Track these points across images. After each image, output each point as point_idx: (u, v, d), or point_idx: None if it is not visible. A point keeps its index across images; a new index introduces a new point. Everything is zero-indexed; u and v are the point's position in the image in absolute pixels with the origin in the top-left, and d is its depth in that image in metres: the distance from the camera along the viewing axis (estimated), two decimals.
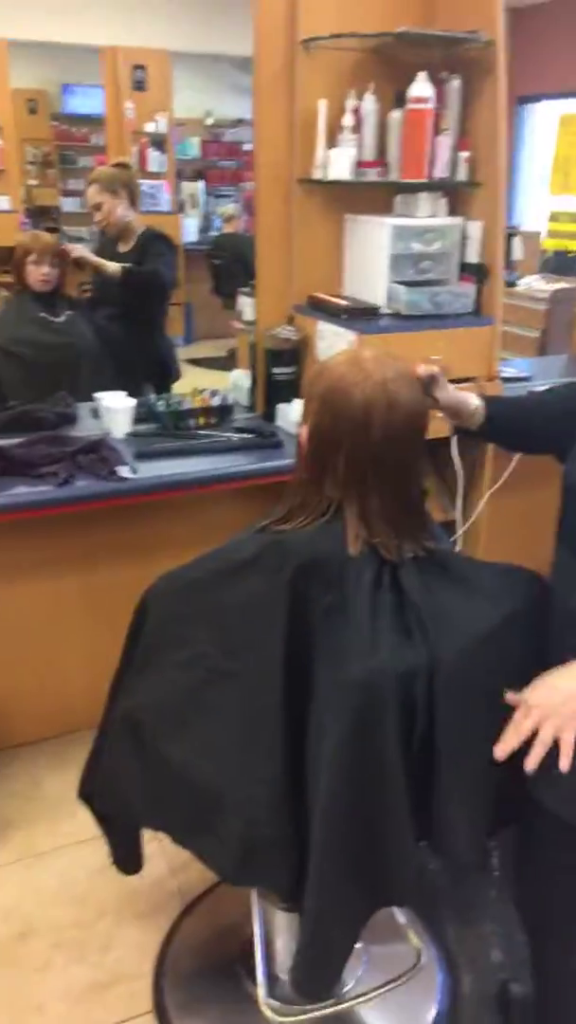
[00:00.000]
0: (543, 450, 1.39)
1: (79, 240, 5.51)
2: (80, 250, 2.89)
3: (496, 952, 1.73)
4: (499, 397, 1.58)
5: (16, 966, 1.71)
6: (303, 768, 1.16)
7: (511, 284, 5.56)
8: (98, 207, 2.94)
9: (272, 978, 1.53)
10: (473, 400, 1.41)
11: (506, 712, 1.14)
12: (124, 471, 1.99)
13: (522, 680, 1.16)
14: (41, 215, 7.00)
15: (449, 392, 1.36)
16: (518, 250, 5.81)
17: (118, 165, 3.04)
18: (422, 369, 1.28)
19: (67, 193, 7.53)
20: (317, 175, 2.26)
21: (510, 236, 5.87)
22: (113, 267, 2.86)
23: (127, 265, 2.87)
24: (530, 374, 3.00)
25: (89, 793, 1.46)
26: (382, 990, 1.51)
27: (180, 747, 1.22)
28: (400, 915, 1.66)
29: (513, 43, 7.92)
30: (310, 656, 1.15)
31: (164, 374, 3.12)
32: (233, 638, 1.20)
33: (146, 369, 2.97)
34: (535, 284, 5.54)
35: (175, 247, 3.15)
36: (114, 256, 3.01)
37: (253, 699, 1.17)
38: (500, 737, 1.11)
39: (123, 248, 3.03)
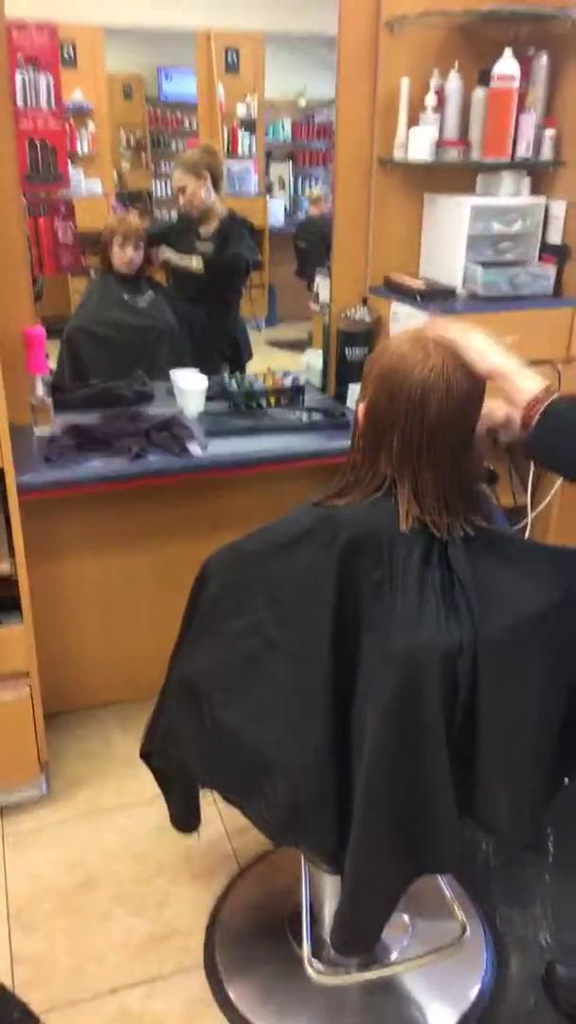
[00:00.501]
0: None
1: (170, 224, 5.60)
2: (164, 252, 2.98)
3: (545, 934, 1.73)
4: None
5: (78, 915, 1.81)
6: (349, 735, 1.19)
7: None
8: (182, 190, 3.00)
9: (318, 941, 1.58)
10: None
11: (548, 691, 1.15)
12: (195, 448, 2.05)
13: (566, 662, 1.16)
14: (133, 199, 7.13)
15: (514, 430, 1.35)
16: None
17: (203, 149, 3.10)
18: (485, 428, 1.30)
19: (159, 177, 7.64)
20: (398, 155, 2.25)
21: None
22: (196, 263, 2.95)
23: (207, 254, 2.94)
24: None
25: (149, 752, 1.52)
26: (425, 959, 1.53)
27: (233, 712, 1.27)
28: (447, 890, 1.68)
29: None
30: (358, 628, 1.17)
31: (238, 353, 3.18)
32: (285, 609, 1.24)
33: (221, 349, 3.03)
34: None
35: (255, 230, 3.20)
36: (196, 238, 3.07)
37: (303, 668, 1.20)
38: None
39: (204, 230, 3.08)
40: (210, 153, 3.08)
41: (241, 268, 3.06)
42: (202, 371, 2.41)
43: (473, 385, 1.19)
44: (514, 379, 1.20)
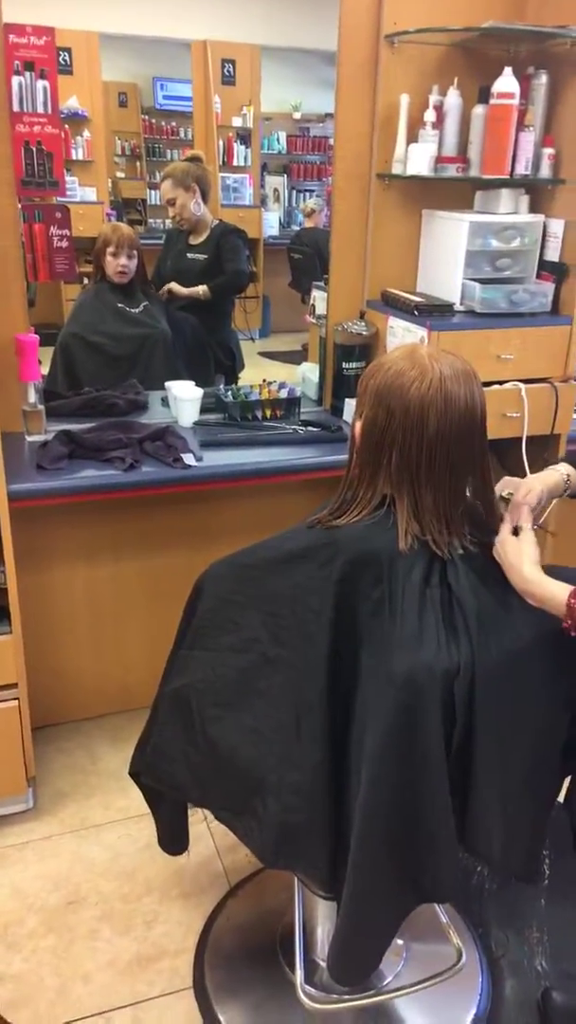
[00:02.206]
0: None
1: (163, 232, 5.60)
2: (172, 287, 3.01)
3: (541, 960, 1.71)
4: None
5: (65, 933, 1.77)
6: (346, 757, 1.17)
7: None
8: (172, 202, 3.01)
9: (311, 965, 1.55)
10: (561, 475, 1.37)
11: (547, 718, 1.14)
12: (188, 459, 2.03)
13: (568, 690, 1.15)
14: (127, 207, 7.14)
15: (538, 496, 1.31)
16: None
17: (191, 159, 3.09)
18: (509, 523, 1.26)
19: (153, 186, 7.64)
20: (396, 170, 2.25)
21: None
22: (202, 291, 3.01)
23: (211, 284, 3.01)
24: None
25: (139, 770, 1.49)
26: (420, 986, 1.51)
27: (227, 728, 1.25)
28: (443, 915, 1.65)
29: None
30: (358, 647, 1.16)
31: (231, 364, 3.20)
32: (282, 626, 1.22)
33: (217, 358, 3.04)
34: None
35: (247, 239, 3.21)
36: (186, 248, 3.09)
37: (298, 687, 1.19)
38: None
39: (195, 240, 3.09)
40: (199, 164, 3.07)
41: (244, 284, 3.12)
42: (197, 381, 2.40)
43: (471, 398, 1.17)
44: (540, 590, 1.15)
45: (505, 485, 1.37)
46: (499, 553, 1.20)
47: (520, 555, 1.17)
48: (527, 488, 1.31)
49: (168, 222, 3.29)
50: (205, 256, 3.06)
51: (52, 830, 2.03)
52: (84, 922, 1.80)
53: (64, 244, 2.21)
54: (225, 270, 3.04)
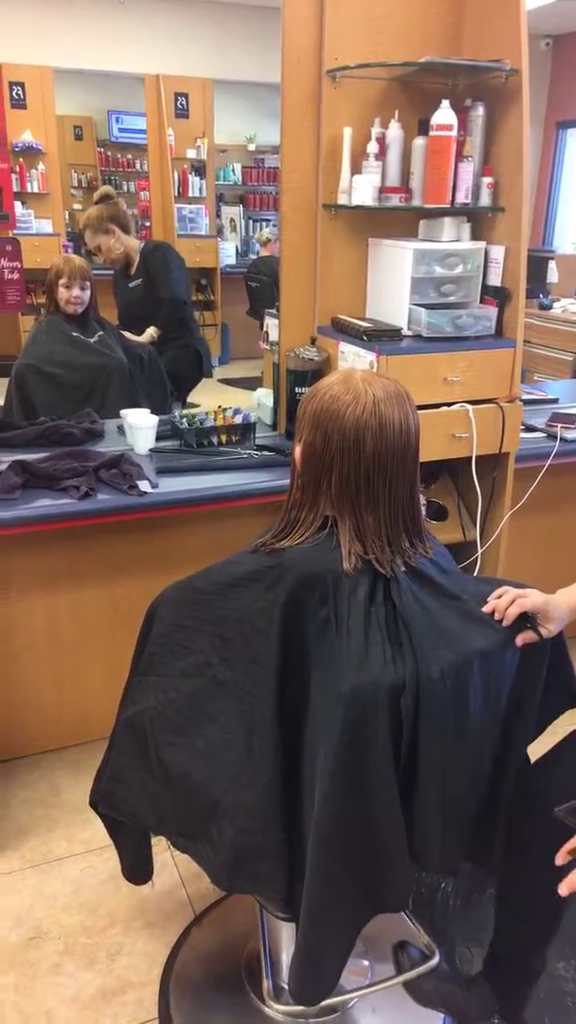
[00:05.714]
0: None
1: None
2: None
3: None
4: None
5: (26, 970, 1.74)
6: (299, 777, 1.18)
7: (546, 307, 5.57)
8: (98, 249, 3.07)
9: (277, 989, 1.55)
10: None
11: (488, 733, 1.17)
12: (144, 486, 2.04)
13: (507, 703, 1.19)
14: (82, 238, 7.17)
15: (562, 612, 1.27)
16: (554, 273, 5.81)
17: (102, 199, 3.14)
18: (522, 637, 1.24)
19: None
20: (342, 200, 2.31)
21: (546, 260, 5.88)
22: (151, 335, 3.13)
23: (156, 323, 3.12)
24: (556, 396, 3.01)
25: (97, 800, 1.49)
26: (385, 984, 1.51)
27: (179, 753, 1.25)
28: (410, 920, 1.66)
29: (553, 69, 7.88)
30: (306, 667, 1.17)
31: (199, 367, 3.26)
32: (232, 649, 1.23)
33: (190, 362, 3.09)
34: (571, 307, 5.53)
35: (170, 249, 3.26)
36: (127, 282, 3.14)
37: (249, 709, 1.20)
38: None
39: (131, 271, 3.14)
40: (109, 203, 3.11)
41: (179, 305, 3.17)
42: (153, 408, 2.42)
43: (405, 419, 1.21)
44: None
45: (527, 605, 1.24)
46: None
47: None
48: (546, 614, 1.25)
49: None
50: (140, 281, 3.12)
51: (13, 866, 2.00)
52: (46, 957, 1.77)
53: (15, 276, 2.23)
54: (160, 297, 3.09)
